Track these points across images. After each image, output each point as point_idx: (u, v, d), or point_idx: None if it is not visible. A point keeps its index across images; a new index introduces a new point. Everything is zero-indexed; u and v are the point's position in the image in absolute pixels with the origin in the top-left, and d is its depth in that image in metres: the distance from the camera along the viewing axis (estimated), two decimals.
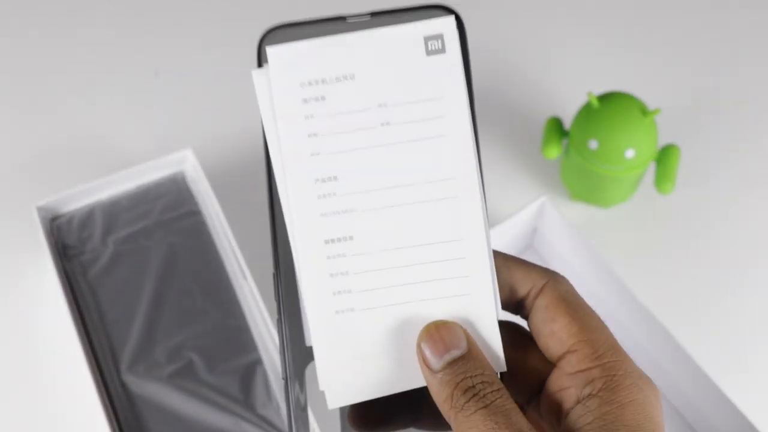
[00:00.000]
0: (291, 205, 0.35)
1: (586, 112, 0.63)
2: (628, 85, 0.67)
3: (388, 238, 0.35)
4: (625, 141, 0.61)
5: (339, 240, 0.35)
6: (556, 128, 0.66)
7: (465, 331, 0.33)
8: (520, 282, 0.34)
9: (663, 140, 0.68)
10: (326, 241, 0.35)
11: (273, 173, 0.35)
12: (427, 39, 0.37)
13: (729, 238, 0.67)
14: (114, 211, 0.61)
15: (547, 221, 0.62)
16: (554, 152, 0.65)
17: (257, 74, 0.37)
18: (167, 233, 0.59)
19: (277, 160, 0.35)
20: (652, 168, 0.68)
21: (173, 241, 0.59)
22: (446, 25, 0.37)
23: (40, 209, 0.60)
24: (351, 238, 0.35)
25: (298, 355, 0.34)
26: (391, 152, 0.36)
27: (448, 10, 0.37)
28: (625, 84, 0.68)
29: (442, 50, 0.37)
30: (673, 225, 0.68)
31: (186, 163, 0.64)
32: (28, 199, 0.62)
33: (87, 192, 0.61)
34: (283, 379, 0.34)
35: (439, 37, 0.37)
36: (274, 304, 0.56)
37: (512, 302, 0.34)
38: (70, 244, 0.59)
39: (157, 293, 0.56)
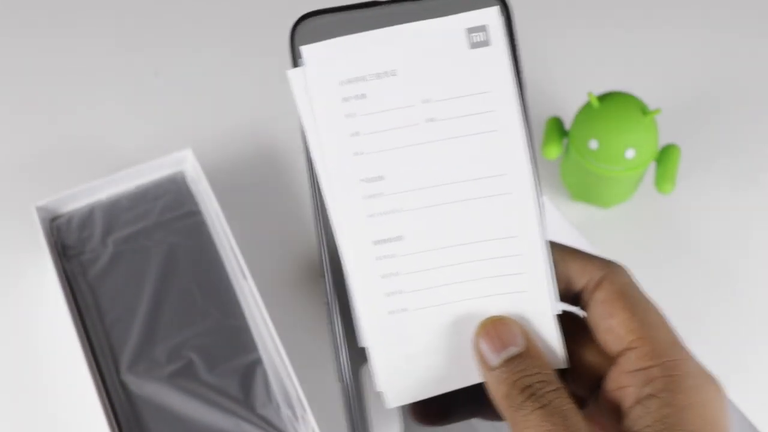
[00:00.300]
0: (337, 207, 0.34)
1: (587, 111, 0.63)
2: (629, 85, 0.67)
3: (439, 237, 0.34)
4: (625, 141, 0.61)
5: (388, 240, 0.34)
6: (557, 128, 0.66)
7: (522, 327, 0.32)
8: (577, 275, 0.33)
9: (663, 140, 0.68)
10: (375, 242, 0.34)
11: (315, 175, 0.34)
12: (470, 31, 0.36)
13: (730, 237, 0.67)
14: (114, 211, 0.61)
15: (547, 221, 0.61)
16: (554, 152, 0.64)
17: (294, 74, 0.34)
18: (167, 233, 0.59)
19: (320, 161, 0.34)
20: (652, 168, 0.68)
21: (173, 241, 0.59)
22: (490, 15, 0.36)
23: (39, 209, 0.59)
24: (400, 238, 0.34)
25: (353, 356, 0.33)
26: (439, 149, 0.35)
27: None
28: (625, 84, 0.68)
29: (487, 43, 0.36)
30: (674, 225, 0.68)
31: (186, 163, 0.64)
32: (27, 199, 0.62)
33: (87, 192, 0.61)
34: (339, 381, 0.33)
35: (483, 28, 0.36)
36: (274, 306, 0.56)
37: (569, 295, 0.33)
38: (70, 244, 0.58)
39: (156, 293, 0.56)
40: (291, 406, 0.50)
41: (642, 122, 0.61)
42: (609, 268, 0.32)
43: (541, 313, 0.33)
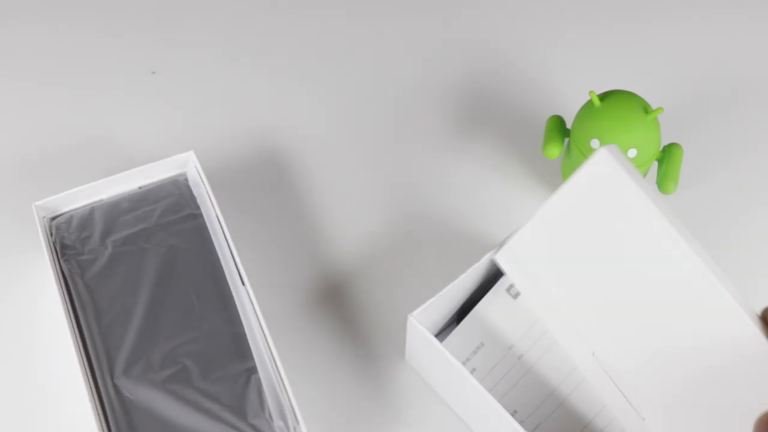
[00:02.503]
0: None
1: (588, 110, 0.62)
2: (631, 83, 0.67)
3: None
4: (627, 140, 0.60)
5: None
6: (558, 126, 0.65)
7: None
8: None
9: (666, 139, 0.67)
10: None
11: None
12: (507, 290, 0.54)
13: (733, 237, 0.66)
14: (114, 212, 0.61)
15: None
16: (556, 152, 0.64)
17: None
18: (167, 236, 0.59)
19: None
20: (654, 167, 0.67)
21: (173, 244, 0.58)
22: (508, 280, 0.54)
23: (38, 207, 0.59)
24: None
25: None
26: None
27: None
28: (627, 82, 0.68)
29: (518, 293, 0.54)
30: None
31: (188, 165, 0.64)
32: (28, 198, 0.62)
33: (87, 192, 0.61)
34: None
35: (512, 286, 0.54)
36: (271, 315, 0.56)
37: None
38: (69, 243, 0.58)
39: (154, 296, 0.55)
40: (284, 418, 0.50)
41: (644, 121, 0.60)
42: None
43: None
